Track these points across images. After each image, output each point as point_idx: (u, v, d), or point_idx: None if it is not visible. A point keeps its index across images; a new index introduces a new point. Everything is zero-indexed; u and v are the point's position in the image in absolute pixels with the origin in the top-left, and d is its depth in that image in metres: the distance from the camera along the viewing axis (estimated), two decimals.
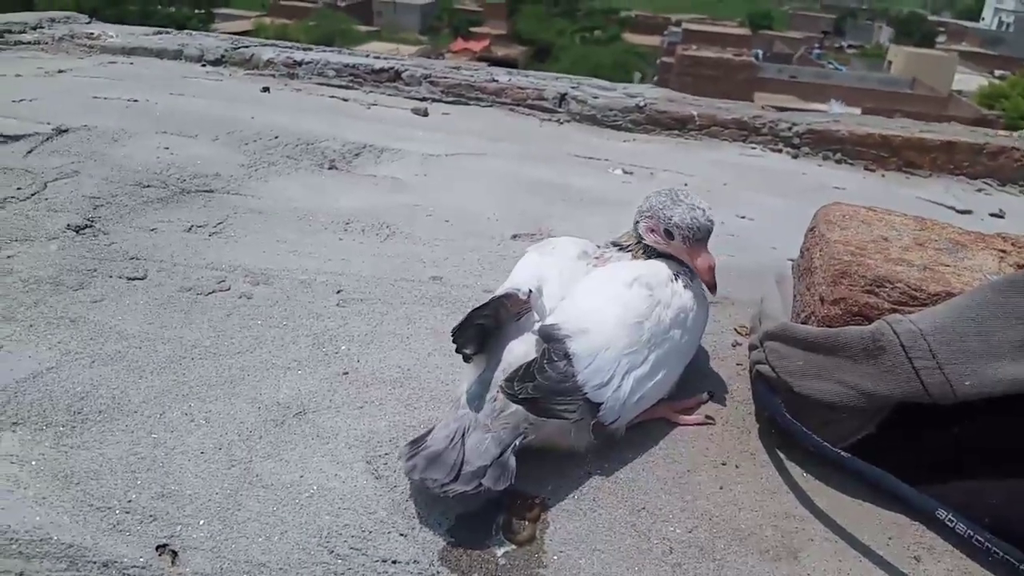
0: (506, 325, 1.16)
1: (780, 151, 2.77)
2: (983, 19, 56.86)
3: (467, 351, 1.13)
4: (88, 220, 1.67)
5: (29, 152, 1.98)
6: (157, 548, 0.97)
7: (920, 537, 1.07)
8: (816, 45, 47.85)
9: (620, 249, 1.29)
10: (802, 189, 2.40)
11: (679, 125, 2.85)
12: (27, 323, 1.33)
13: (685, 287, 1.22)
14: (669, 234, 1.23)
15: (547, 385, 1.05)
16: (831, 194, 2.41)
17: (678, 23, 48.89)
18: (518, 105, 2.98)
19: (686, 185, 2.24)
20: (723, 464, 1.18)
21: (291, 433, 1.15)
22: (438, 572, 0.97)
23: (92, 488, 1.03)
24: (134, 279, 1.49)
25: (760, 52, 39.66)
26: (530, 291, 1.14)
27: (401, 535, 1.01)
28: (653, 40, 44.83)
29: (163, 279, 1.50)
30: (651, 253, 1.27)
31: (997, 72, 35.78)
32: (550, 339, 1.09)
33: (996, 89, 26.93)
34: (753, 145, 2.79)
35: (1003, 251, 1.25)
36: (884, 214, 1.36)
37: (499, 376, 1.10)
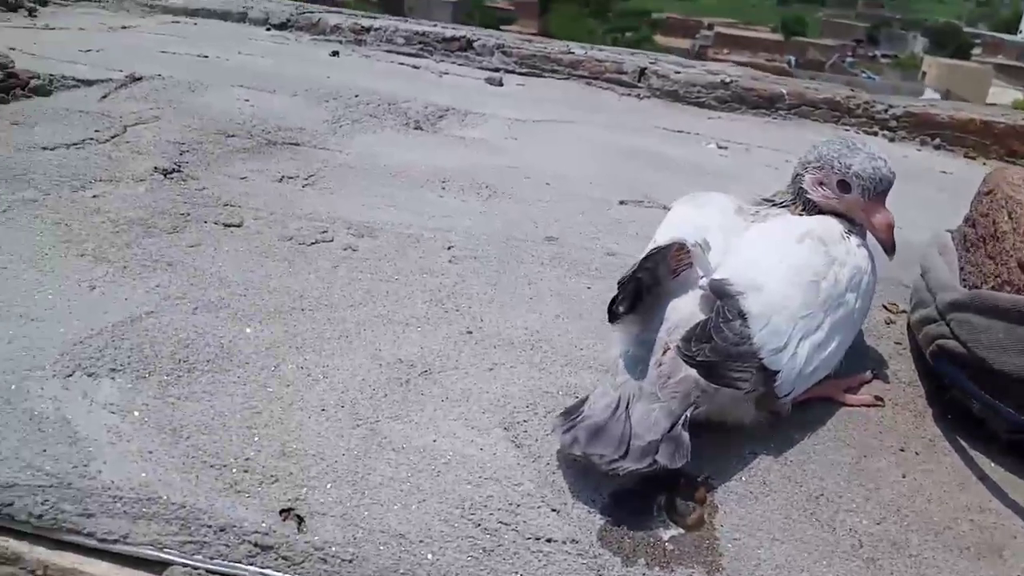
0: (664, 282, 1.02)
1: (876, 134, 2.62)
2: (1020, 32, 56.02)
3: (621, 308, 0.99)
4: (175, 164, 1.57)
5: (104, 97, 1.89)
6: (281, 512, 0.85)
7: None
8: (849, 53, 47.35)
9: (775, 206, 1.16)
10: (908, 172, 2.24)
11: (767, 103, 2.71)
12: (120, 264, 1.22)
13: (859, 246, 1.08)
14: (845, 186, 1.09)
15: (724, 347, 0.91)
16: (939, 178, 2.27)
17: (710, 26, 48.62)
18: (595, 78, 2.85)
19: (787, 162, 2.10)
20: (901, 451, 1.05)
21: (418, 393, 1.03)
22: (599, 554, 0.85)
23: (204, 443, 0.91)
24: (231, 225, 1.38)
25: (793, 59, 39.33)
26: (696, 243, 1.00)
27: (553, 511, 0.88)
28: (684, 43, 44.48)
29: (261, 227, 1.39)
30: (812, 210, 1.13)
31: None
32: (723, 295, 0.95)
33: None
34: (847, 127, 2.64)
35: None
36: None
37: (663, 337, 0.97)
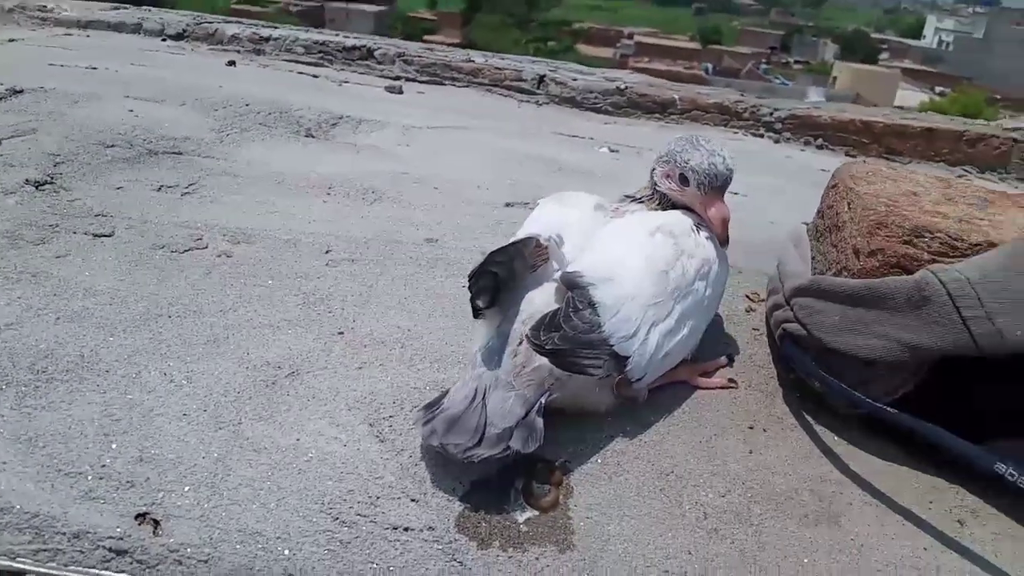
0: (522, 276, 1.06)
1: (762, 136, 2.74)
2: (924, 37, 58.75)
3: (480, 303, 1.03)
4: (48, 176, 1.53)
5: None
6: (136, 517, 0.85)
7: (962, 500, 1.01)
8: (764, 60, 48.83)
9: (635, 201, 1.21)
10: (789, 171, 2.36)
11: (660, 109, 2.80)
12: None
13: (708, 238, 1.15)
14: (684, 180, 1.15)
15: (573, 336, 0.96)
16: (818, 175, 2.37)
17: (630, 36, 49.51)
18: (495, 86, 2.90)
19: None
20: (750, 428, 1.10)
21: (284, 394, 1.04)
22: (455, 539, 0.88)
23: (60, 452, 0.91)
24: (101, 236, 1.36)
25: (710, 66, 40.35)
26: (551, 238, 1.05)
27: (412, 501, 0.91)
28: (606, 52, 45.15)
29: (133, 236, 1.37)
30: (667, 204, 1.19)
31: (937, 88, 36.93)
32: (574, 286, 1.00)
33: (936, 105, 27.71)
34: (735, 130, 2.75)
35: None
36: (907, 172, 1.31)
37: (519, 328, 1.00)
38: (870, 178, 1.23)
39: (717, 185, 1.14)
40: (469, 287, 1.00)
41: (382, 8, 51.24)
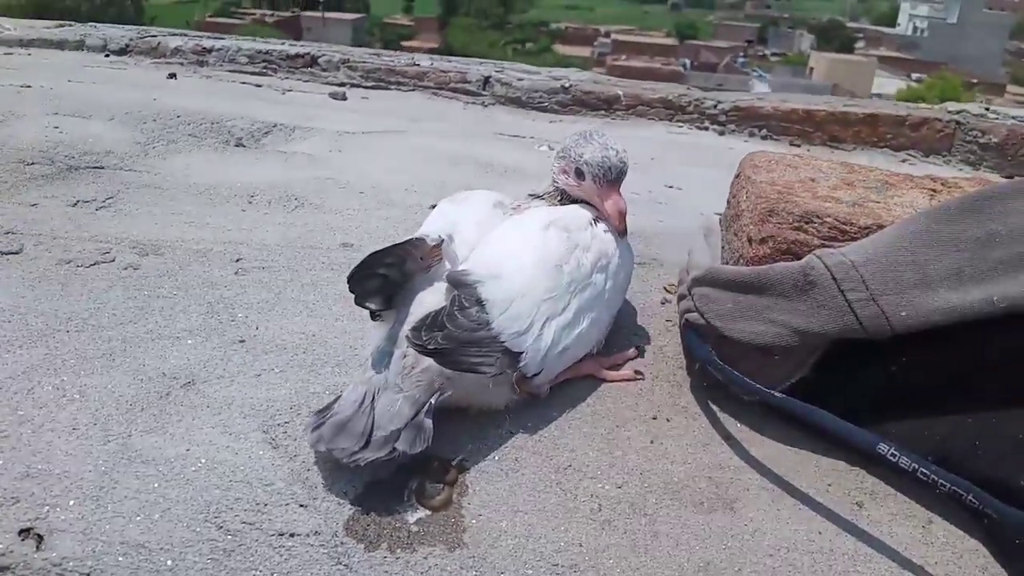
0: (416, 278, 1.06)
1: (707, 128, 2.75)
2: (899, 25, 59.17)
3: (372, 306, 1.03)
4: None
5: None
6: (20, 532, 0.85)
7: (861, 483, 1.02)
8: (741, 54, 49.07)
9: (537, 198, 1.22)
10: (730, 162, 2.33)
11: (605, 106, 2.80)
12: None
13: (606, 231, 1.15)
14: (580, 174, 1.15)
15: (458, 334, 0.95)
16: None
17: (607, 34, 49.68)
18: (441, 89, 2.90)
19: None
20: (653, 419, 1.10)
21: (177, 405, 1.03)
22: (342, 543, 0.87)
23: None
24: (7, 253, 1.35)
25: (688, 61, 40.56)
26: (441, 238, 1.05)
27: (301, 506, 0.90)
28: (584, 51, 45.30)
29: (40, 253, 1.36)
30: (567, 200, 1.20)
31: (914, 75, 37.23)
32: (459, 285, 1.00)
33: (913, 92, 27.94)
34: (680, 124, 2.76)
35: (933, 190, 1.21)
36: (811, 159, 1.32)
37: (407, 329, 1.00)
38: (770, 166, 1.24)
39: (612, 178, 1.14)
40: (350, 289, 1.00)
41: (359, 16, 51.19)
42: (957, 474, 0.89)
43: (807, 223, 1.08)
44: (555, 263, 1.07)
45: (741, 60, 45.93)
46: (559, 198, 1.20)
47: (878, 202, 1.14)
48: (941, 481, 0.88)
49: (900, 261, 0.98)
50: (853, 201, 1.13)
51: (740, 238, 1.18)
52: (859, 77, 34.50)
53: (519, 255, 1.06)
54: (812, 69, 39.52)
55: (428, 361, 0.96)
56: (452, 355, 0.95)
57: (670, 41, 48.31)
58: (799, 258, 1.07)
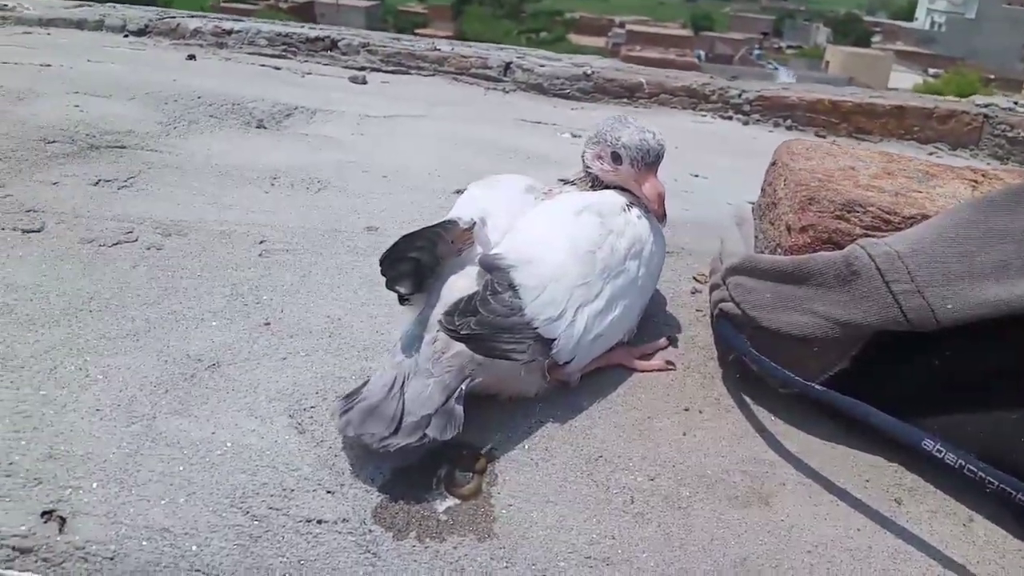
0: (447, 262, 1.04)
1: (731, 118, 2.70)
2: (916, 19, 58.59)
3: (402, 290, 1.01)
4: None
5: None
6: (43, 514, 0.83)
7: (900, 479, 0.99)
8: (756, 46, 48.76)
9: (568, 184, 1.19)
10: (754, 152, 2.32)
11: (628, 93, 2.77)
12: None
13: (639, 217, 1.12)
14: (617, 158, 1.13)
15: (491, 320, 0.93)
16: None
17: (622, 25, 49.40)
18: (461, 74, 2.86)
19: None
20: (686, 410, 1.08)
21: (202, 387, 1.01)
22: (370, 531, 0.85)
23: None
24: (29, 231, 1.33)
25: (702, 53, 40.32)
26: (473, 221, 1.02)
27: (328, 492, 0.88)
28: (598, 41, 45.04)
29: (62, 231, 1.34)
30: (599, 186, 1.17)
31: (931, 70, 36.89)
32: (493, 269, 0.98)
33: (930, 87, 27.66)
34: (703, 112, 2.72)
35: (974, 181, 1.18)
36: (848, 148, 1.29)
37: (438, 313, 0.98)
38: (808, 154, 1.21)
39: (650, 160, 1.12)
40: (382, 272, 0.97)
41: (373, 3, 51.06)
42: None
43: (849, 212, 1.05)
44: (588, 249, 1.04)
45: (757, 52, 45.64)
46: (591, 184, 1.17)
47: (920, 192, 1.11)
48: (989, 479, 0.85)
49: (946, 252, 0.95)
50: (895, 191, 1.10)
51: (777, 227, 1.15)
52: (875, 71, 34.22)
53: (552, 240, 1.03)
54: (828, 63, 39.21)
55: (459, 346, 0.94)
56: (485, 341, 0.92)
57: (685, 32, 48.00)
58: (840, 247, 1.04)
